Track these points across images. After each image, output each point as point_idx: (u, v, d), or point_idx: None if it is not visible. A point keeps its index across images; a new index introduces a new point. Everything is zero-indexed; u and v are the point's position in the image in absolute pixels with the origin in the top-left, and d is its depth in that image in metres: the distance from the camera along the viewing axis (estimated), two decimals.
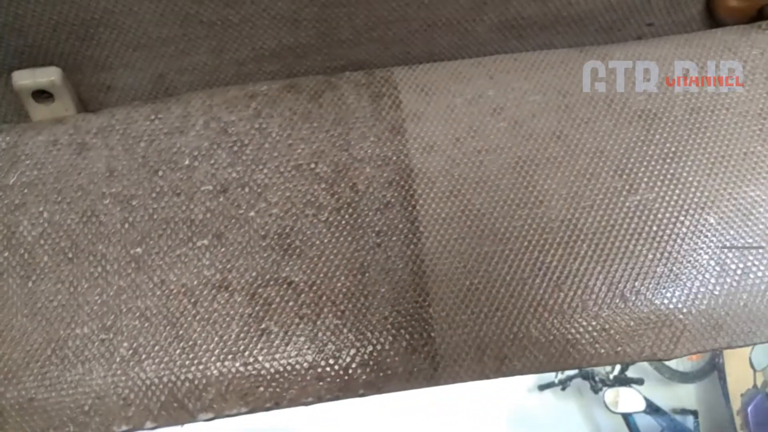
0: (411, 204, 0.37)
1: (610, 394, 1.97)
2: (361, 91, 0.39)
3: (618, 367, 2.09)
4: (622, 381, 2.07)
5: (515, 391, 2.29)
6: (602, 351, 0.35)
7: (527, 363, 0.35)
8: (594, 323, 0.35)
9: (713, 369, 2.16)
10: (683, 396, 2.18)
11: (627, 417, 2.04)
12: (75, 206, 0.36)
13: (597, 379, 2.11)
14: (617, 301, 0.35)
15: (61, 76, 0.37)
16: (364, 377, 0.35)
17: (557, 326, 0.35)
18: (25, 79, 0.37)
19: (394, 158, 0.38)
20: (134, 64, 0.38)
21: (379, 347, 0.35)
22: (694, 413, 2.11)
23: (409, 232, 0.36)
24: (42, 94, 0.38)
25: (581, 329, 0.35)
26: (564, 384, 2.21)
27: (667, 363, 2.18)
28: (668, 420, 2.03)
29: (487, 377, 0.36)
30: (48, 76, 0.37)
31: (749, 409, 1.87)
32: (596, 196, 0.37)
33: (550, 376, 2.24)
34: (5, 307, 0.35)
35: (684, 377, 2.22)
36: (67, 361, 0.34)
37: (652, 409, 1.99)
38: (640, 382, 2.04)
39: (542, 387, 2.26)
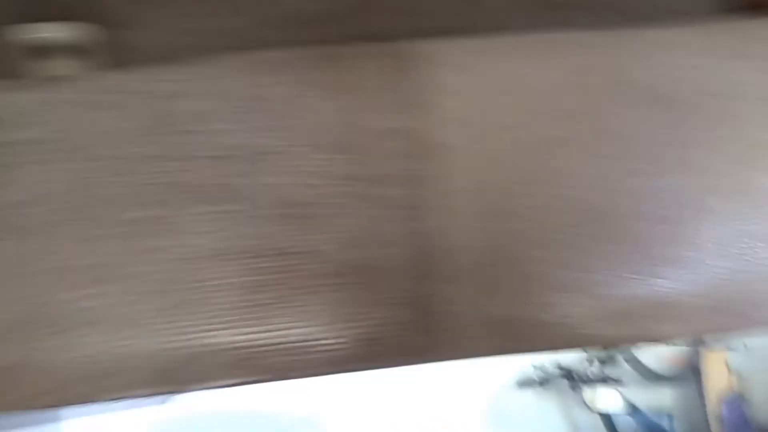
0: (429, 178, 0.36)
1: (588, 392, 1.99)
2: (388, 62, 0.38)
3: (597, 366, 2.11)
4: (602, 380, 2.10)
5: (493, 389, 2.30)
6: (601, 333, 0.35)
7: (533, 341, 0.35)
8: (599, 303, 0.35)
9: (691, 371, 2.19)
10: (661, 397, 2.21)
11: (605, 416, 2.06)
12: (71, 167, 0.35)
13: (576, 377, 2.13)
14: (620, 282, 0.35)
15: (74, 33, 0.36)
16: (361, 352, 0.34)
17: (562, 306, 0.35)
18: (34, 33, 0.35)
19: (414, 131, 0.37)
20: (159, 23, 0.37)
21: (387, 320, 0.34)
22: (672, 414, 2.14)
23: (426, 205, 0.36)
24: (49, 51, 0.36)
25: (584, 311, 0.35)
26: (543, 382, 2.23)
27: (645, 364, 2.20)
28: (646, 420, 2.06)
29: (492, 354, 0.35)
30: (60, 31, 0.35)
31: (725, 411, 1.90)
32: (609, 177, 0.36)
33: (529, 373, 2.25)
34: None
35: (662, 378, 2.24)
36: (56, 327, 0.33)
37: (631, 408, 2.02)
38: (618, 381, 2.06)
39: (521, 384, 2.27)
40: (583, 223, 0.36)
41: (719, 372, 2.02)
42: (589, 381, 2.08)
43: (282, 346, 0.34)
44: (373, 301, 0.34)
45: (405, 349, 0.34)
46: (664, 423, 2.12)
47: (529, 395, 2.30)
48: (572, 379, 2.15)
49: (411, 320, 0.34)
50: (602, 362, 2.12)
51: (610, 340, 0.36)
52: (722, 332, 0.37)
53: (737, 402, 1.91)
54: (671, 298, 0.35)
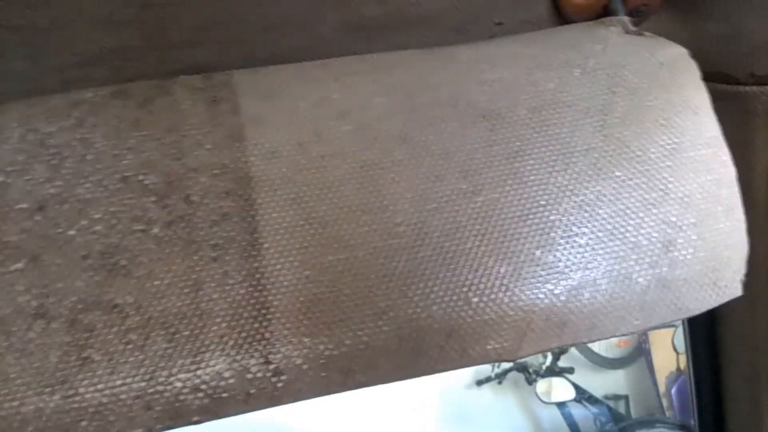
0: (250, 214, 0.35)
1: (542, 384, 2.02)
2: (196, 95, 0.37)
3: (550, 358, 2.14)
4: (554, 371, 2.13)
5: (454, 389, 2.31)
6: (448, 355, 0.34)
7: (375, 374, 0.34)
8: (440, 327, 0.34)
9: (640, 354, 2.24)
10: (614, 382, 2.25)
11: (560, 406, 2.10)
12: None
13: (531, 370, 2.16)
14: (462, 303, 0.35)
15: None
16: (197, 403, 0.33)
17: (403, 333, 0.34)
18: None
19: (232, 166, 0.36)
20: None
21: (213, 370, 0.33)
22: (625, 398, 2.19)
23: (248, 244, 0.35)
24: None
25: (428, 335, 0.34)
26: (500, 378, 2.25)
27: (596, 350, 2.25)
28: (600, 406, 2.10)
29: (333, 392, 0.34)
30: None
31: (673, 391, 1.95)
32: (441, 198, 0.36)
33: (486, 371, 2.27)
34: None
35: (613, 363, 2.29)
36: None
37: (584, 396, 2.05)
38: (570, 371, 2.09)
39: (480, 382, 2.29)
40: (420, 247, 0.35)
41: (666, 352, 2.07)
42: (543, 373, 2.11)
43: (116, 405, 0.32)
44: (208, 348, 0.33)
45: (244, 396, 0.33)
46: (620, 407, 2.16)
47: (488, 392, 2.32)
48: (527, 372, 2.18)
49: (248, 365, 0.33)
50: (554, 354, 2.15)
51: (458, 363, 0.35)
52: (572, 345, 0.37)
53: (684, 381, 1.96)
54: (516, 316, 0.35)
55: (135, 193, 0.35)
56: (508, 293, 0.35)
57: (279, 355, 0.33)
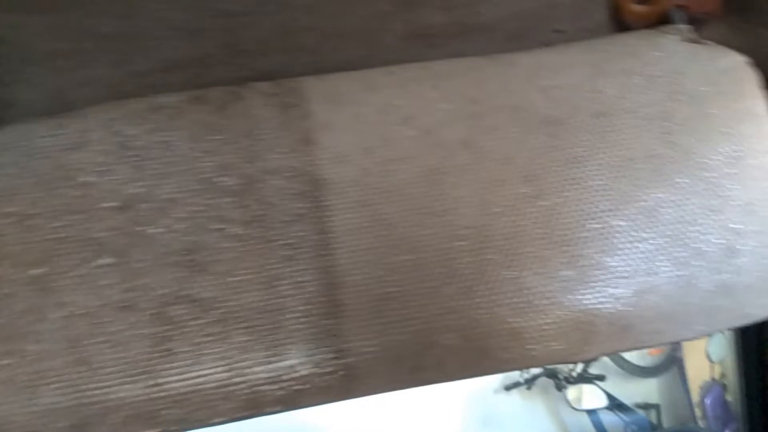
0: (322, 215, 0.36)
1: (572, 391, 2.00)
2: (269, 101, 0.39)
3: (580, 364, 2.12)
4: (585, 378, 2.10)
5: (482, 393, 2.30)
6: (512, 356, 0.35)
7: (441, 372, 0.35)
8: (504, 328, 0.35)
9: (673, 363, 2.20)
10: (646, 390, 2.22)
11: (591, 413, 2.07)
12: None
13: (561, 377, 2.14)
14: (524, 305, 0.36)
15: None
16: (274, 394, 0.34)
17: (469, 333, 0.35)
18: None
19: (304, 169, 0.37)
20: (31, 78, 0.37)
21: (289, 363, 0.34)
22: (657, 407, 2.15)
23: (320, 243, 0.36)
24: None
25: (492, 335, 0.35)
26: (529, 383, 2.23)
27: (628, 358, 2.22)
28: (631, 415, 2.07)
29: (402, 388, 0.35)
30: None
31: (707, 401, 1.91)
32: (505, 202, 0.37)
33: (515, 376, 2.25)
34: None
35: (645, 372, 2.25)
36: None
37: (615, 404, 2.03)
38: (601, 378, 2.07)
39: (509, 387, 2.28)
40: (483, 250, 0.36)
41: (699, 361, 2.04)
42: (573, 380, 2.09)
43: (198, 394, 0.34)
44: (284, 342, 0.35)
45: (319, 389, 0.34)
46: (651, 416, 2.13)
47: (517, 397, 2.31)
48: (557, 378, 2.16)
49: (322, 359, 0.35)
50: (585, 360, 2.13)
51: (521, 363, 0.36)
52: (635, 348, 0.38)
53: (718, 390, 1.92)
54: (581, 318, 0.36)
55: (214, 194, 0.36)
56: (571, 296, 0.36)
57: (351, 351, 0.34)
